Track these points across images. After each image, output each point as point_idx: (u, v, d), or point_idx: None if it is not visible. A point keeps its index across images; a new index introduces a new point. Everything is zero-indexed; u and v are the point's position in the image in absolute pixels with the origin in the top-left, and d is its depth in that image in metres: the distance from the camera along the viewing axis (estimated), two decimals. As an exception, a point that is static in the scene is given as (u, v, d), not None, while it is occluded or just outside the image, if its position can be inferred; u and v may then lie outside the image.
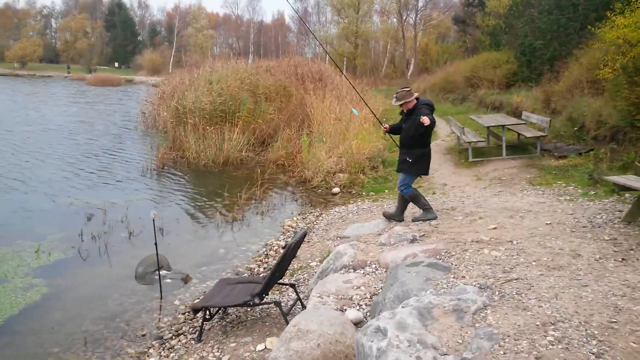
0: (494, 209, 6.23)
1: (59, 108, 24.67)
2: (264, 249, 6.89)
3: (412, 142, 5.79)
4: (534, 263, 3.85)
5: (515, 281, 3.50)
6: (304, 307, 4.56)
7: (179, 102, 14.46)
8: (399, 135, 6.19)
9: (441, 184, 9.19)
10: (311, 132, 13.44)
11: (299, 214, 8.54)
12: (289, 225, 7.82)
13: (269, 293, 4.95)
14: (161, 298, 5.41)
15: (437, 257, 4.20)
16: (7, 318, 4.86)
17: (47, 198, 9.02)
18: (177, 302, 5.31)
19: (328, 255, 5.97)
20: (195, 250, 6.83)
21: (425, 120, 5.13)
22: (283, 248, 4.11)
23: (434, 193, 8.48)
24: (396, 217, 6.39)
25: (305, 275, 5.70)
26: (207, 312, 4.47)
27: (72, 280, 5.80)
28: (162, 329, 4.72)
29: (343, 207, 8.72)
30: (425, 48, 40.19)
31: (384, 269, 4.43)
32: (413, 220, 6.09)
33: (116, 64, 73.73)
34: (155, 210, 8.57)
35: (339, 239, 6.73)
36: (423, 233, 5.00)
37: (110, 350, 4.37)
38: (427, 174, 6.31)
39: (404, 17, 38.72)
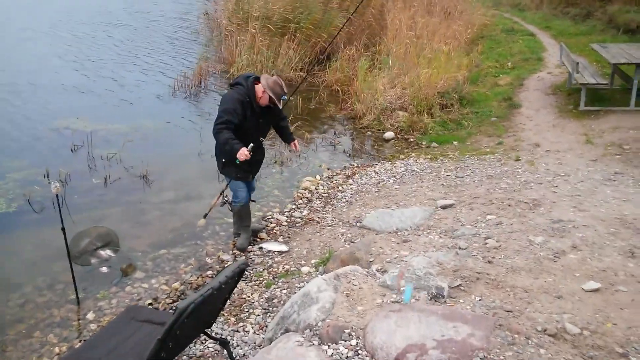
0: (602, 219, 3.81)
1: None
2: (257, 225, 5.07)
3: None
4: None
5: None
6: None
7: (238, 4, 12.31)
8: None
9: (532, 144, 6.62)
10: (379, 51, 10.88)
11: (329, 169, 6.52)
12: (305, 189, 5.88)
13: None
14: (78, 303, 3.87)
15: (462, 371, 2.12)
16: None
17: (44, 116, 7.70)
18: (90, 316, 3.73)
19: (329, 259, 4.06)
20: (168, 218, 5.19)
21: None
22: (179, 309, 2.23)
23: (517, 159, 6.03)
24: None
25: (286, 289, 3.84)
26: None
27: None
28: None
29: (388, 164, 6.56)
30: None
31: (369, 358, 2.44)
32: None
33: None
34: (155, 145, 7.00)
35: (357, 224, 4.72)
36: (459, 282, 2.85)
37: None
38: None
39: None
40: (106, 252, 4.49)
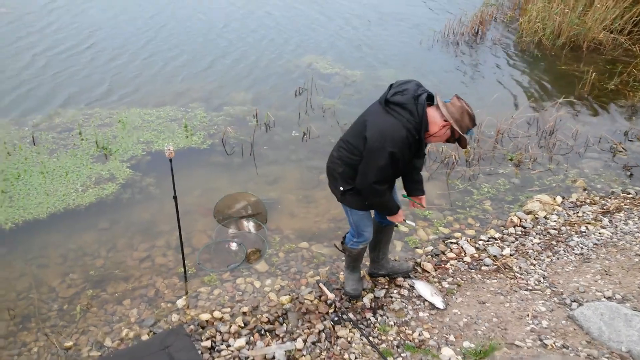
0: None
1: None
2: (434, 249, 3.73)
3: None
4: None
5: None
6: None
7: None
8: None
9: None
10: None
11: (584, 190, 4.47)
12: (528, 213, 4.11)
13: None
14: (185, 279, 3.45)
15: None
16: (28, 221, 3.91)
17: (296, 48, 7.44)
18: (179, 303, 3.24)
19: (486, 355, 2.57)
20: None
21: None
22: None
23: None
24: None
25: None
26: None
27: (154, 189, 4.37)
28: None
29: (691, 208, 4.09)
30: None
31: None
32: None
33: None
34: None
35: (570, 306, 2.95)
36: None
37: None
38: None
39: None
40: (249, 224, 3.96)
